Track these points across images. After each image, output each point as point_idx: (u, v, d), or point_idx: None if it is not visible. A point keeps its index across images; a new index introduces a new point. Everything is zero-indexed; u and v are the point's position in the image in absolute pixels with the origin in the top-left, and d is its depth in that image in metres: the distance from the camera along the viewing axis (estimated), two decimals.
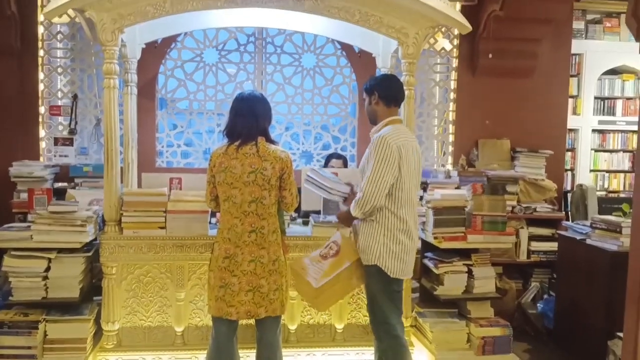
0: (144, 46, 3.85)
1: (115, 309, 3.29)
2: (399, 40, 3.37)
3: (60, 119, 4.56)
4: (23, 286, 3.21)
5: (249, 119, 2.86)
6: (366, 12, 3.30)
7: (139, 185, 3.80)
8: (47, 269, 3.23)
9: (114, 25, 3.15)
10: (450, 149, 5.00)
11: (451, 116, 4.99)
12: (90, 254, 3.35)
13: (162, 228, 3.29)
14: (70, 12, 3.40)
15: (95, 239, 3.40)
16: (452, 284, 3.55)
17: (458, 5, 4.79)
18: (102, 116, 4.37)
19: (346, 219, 2.98)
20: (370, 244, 2.85)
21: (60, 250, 3.24)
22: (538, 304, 4.51)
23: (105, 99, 3.23)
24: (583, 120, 5.62)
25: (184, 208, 3.30)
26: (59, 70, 4.51)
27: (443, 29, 4.73)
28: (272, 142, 2.91)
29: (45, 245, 3.21)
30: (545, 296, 4.56)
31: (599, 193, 5.44)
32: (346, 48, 4.81)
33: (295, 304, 3.43)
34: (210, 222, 3.40)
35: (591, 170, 5.74)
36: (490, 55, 4.65)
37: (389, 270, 2.83)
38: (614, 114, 5.66)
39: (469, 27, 3.35)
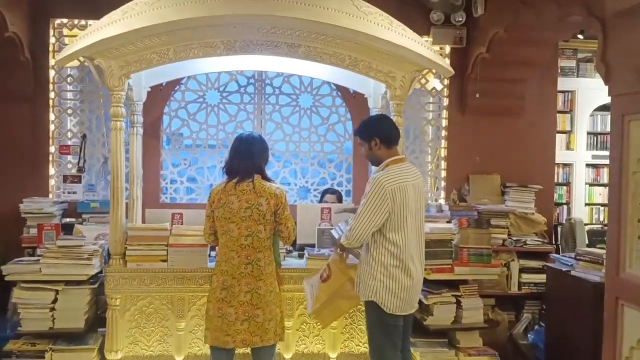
0: (149, 89, 4.10)
1: (118, 338, 3.44)
2: (386, 83, 3.59)
3: (69, 157, 4.81)
4: (31, 317, 3.38)
5: (246, 158, 3.08)
6: (355, 57, 3.52)
7: (143, 221, 3.99)
8: (55, 301, 3.41)
9: (120, 71, 3.39)
10: (443, 184, 5.18)
11: (443, 152, 5.19)
12: (95, 286, 3.53)
13: (164, 261, 3.46)
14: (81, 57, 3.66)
15: (100, 272, 3.58)
16: (441, 314, 3.68)
17: (448, 48, 5.06)
18: (109, 155, 4.63)
19: (341, 245, 3.10)
20: (367, 280, 2.95)
21: (67, 283, 3.43)
22: (529, 335, 4.62)
23: (112, 140, 3.45)
24: (577, 155, 5.80)
25: (184, 242, 3.49)
26: (69, 111, 4.78)
27: (434, 70, 5.02)
28: (267, 179, 3.14)
29: (54, 278, 3.40)
30: (536, 327, 4.67)
31: (594, 226, 5.60)
32: (341, 89, 5.05)
33: (291, 333, 3.57)
34: (209, 256, 3.57)
35: (586, 204, 5.88)
36: (477, 95, 4.87)
37: (385, 306, 2.91)
38: (606, 149, 5.75)
39: (451, 71, 3.58)
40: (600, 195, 5.94)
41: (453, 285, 3.76)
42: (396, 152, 3.06)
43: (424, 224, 3.12)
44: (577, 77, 5.79)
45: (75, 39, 3.52)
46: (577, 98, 5.78)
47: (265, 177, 3.13)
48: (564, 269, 4.08)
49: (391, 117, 3.34)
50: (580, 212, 5.74)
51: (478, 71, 4.85)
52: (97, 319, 3.68)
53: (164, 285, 3.47)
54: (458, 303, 3.71)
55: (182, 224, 3.73)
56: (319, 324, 3.42)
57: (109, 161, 4.61)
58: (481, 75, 4.86)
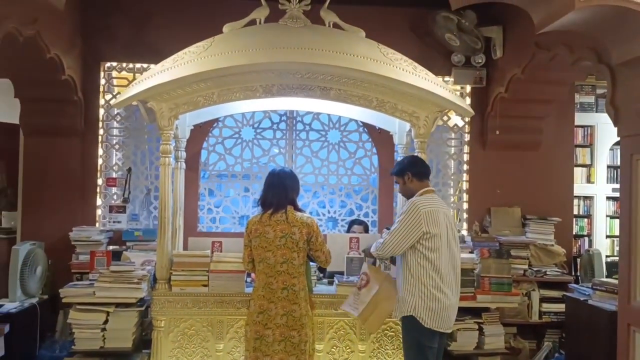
0: (192, 127, 4.44)
1: (162, 358, 3.71)
2: (411, 122, 3.86)
3: (115, 189, 5.16)
4: (84, 337, 3.68)
5: (279, 192, 3.36)
6: (382, 99, 3.79)
7: (185, 248, 4.29)
8: (106, 322, 3.70)
9: (170, 113, 3.72)
10: (465, 215, 5.41)
11: (465, 186, 5.43)
12: (142, 308, 3.82)
13: (205, 286, 3.73)
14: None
15: (147, 296, 3.88)
16: (464, 340, 3.89)
17: (469, 88, 5.35)
18: (152, 186, 4.98)
19: (370, 254, 3.45)
20: (405, 297, 3.19)
21: (117, 305, 3.73)
22: None
23: (161, 175, 3.77)
24: (597, 188, 5.94)
25: (224, 268, 3.75)
26: (116, 146, 5.16)
27: None
28: (299, 210, 3.41)
29: (105, 300, 3.70)
30: (557, 355, 4.82)
31: (614, 258, 5.71)
32: (367, 126, 5.33)
33: (322, 356, 3.79)
34: (246, 281, 3.85)
35: (607, 236, 5.98)
36: (497, 132, 5.12)
37: (423, 320, 3.13)
38: None
39: (471, 112, 3.85)
40: None
41: (475, 312, 3.96)
42: (427, 185, 3.38)
43: (458, 253, 3.34)
44: (597, 112, 5.94)
45: (128, 83, 3.90)
46: (596, 132, 5.95)
47: (297, 208, 3.40)
48: (581, 299, 4.25)
49: (418, 156, 3.63)
50: (601, 244, 5.84)
51: (498, 109, 5.10)
52: (142, 341, 3.96)
53: (204, 309, 3.72)
54: (480, 329, 3.91)
55: (221, 251, 4.00)
56: (367, 329, 3.65)
57: (151, 192, 5.01)
58: (501, 112, 5.11)
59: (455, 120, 5.37)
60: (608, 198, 6.00)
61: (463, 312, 3.92)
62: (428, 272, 3.16)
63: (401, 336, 3.38)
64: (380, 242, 3.29)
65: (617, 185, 5.83)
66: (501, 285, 3.92)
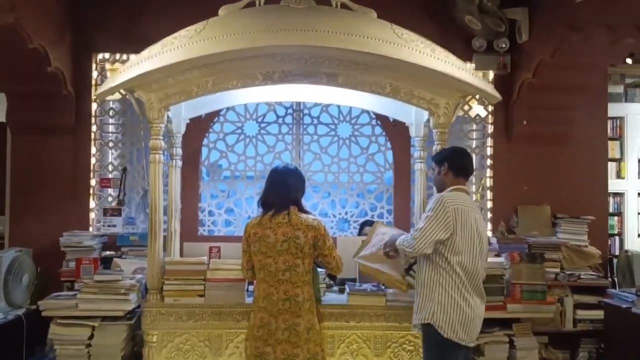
0: (188, 121, 4.08)
1: None
2: (429, 110, 3.47)
3: (110, 190, 4.83)
4: (67, 354, 3.35)
5: (281, 190, 3.00)
6: (397, 85, 3.42)
7: (181, 254, 3.93)
8: (91, 337, 3.35)
9: (160, 104, 3.37)
10: (489, 215, 4.98)
11: (488, 182, 5.01)
12: (132, 322, 3.46)
13: (201, 296, 3.37)
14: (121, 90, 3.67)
15: (138, 307, 3.51)
16: (493, 354, 3.51)
17: (491, 74, 4.92)
18: (149, 187, 4.61)
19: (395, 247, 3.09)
20: (425, 303, 2.88)
21: (103, 318, 3.37)
22: None
23: (151, 173, 3.41)
24: (628, 184, 5.57)
25: (222, 276, 3.39)
26: (110, 144, 4.82)
27: (477, 96, 4.88)
28: (304, 211, 3.03)
29: (90, 314, 3.35)
30: None
31: None
32: (381, 117, 4.95)
33: None
34: (247, 290, 3.47)
35: (639, 235, 5.60)
36: (524, 122, 4.70)
37: (442, 329, 2.80)
38: None
39: (499, 97, 3.44)
40: None
41: (505, 323, 3.56)
42: (462, 184, 3.04)
43: (483, 258, 2.97)
44: (626, 102, 5.60)
45: (116, 72, 3.54)
46: (626, 124, 5.60)
47: (301, 209, 3.04)
48: (623, 306, 3.84)
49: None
50: (633, 244, 5.46)
51: (524, 97, 4.69)
52: (134, 355, 3.60)
53: (201, 322, 3.36)
54: (511, 343, 3.52)
55: (219, 257, 3.65)
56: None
57: (149, 194, 4.64)
58: (528, 101, 4.71)
59: (477, 110, 4.95)
60: None
61: (491, 323, 3.54)
62: (450, 276, 2.83)
63: (421, 350, 3.03)
64: (407, 238, 2.95)
65: None
66: (534, 293, 3.50)
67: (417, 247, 2.86)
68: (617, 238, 5.53)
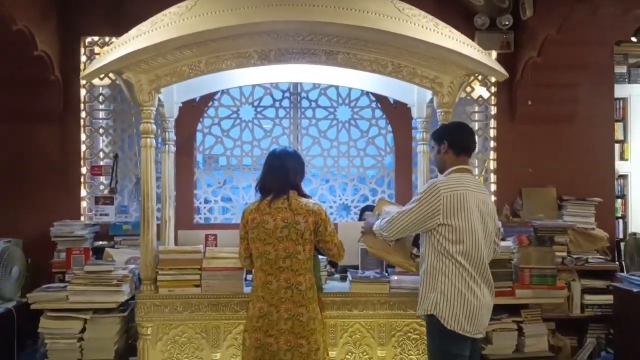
0: (181, 105, 3.91)
1: None
2: (433, 90, 3.32)
3: (101, 178, 4.66)
4: (58, 348, 3.20)
5: (280, 174, 2.86)
6: (399, 63, 3.26)
7: (176, 243, 3.79)
8: (83, 330, 3.21)
9: (150, 86, 3.21)
10: (493, 198, 4.84)
11: (492, 165, 4.87)
12: (125, 314, 3.32)
13: (197, 286, 3.23)
14: (112, 74, 3.50)
15: (131, 298, 3.37)
16: (501, 342, 3.37)
17: (494, 53, 4.76)
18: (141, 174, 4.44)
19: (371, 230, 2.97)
20: (428, 293, 2.70)
21: (96, 311, 3.23)
22: None
23: (142, 158, 3.26)
24: (632, 166, 5.42)
25: (218, 265, 3.25)
26: (101, 131, 4.65)
27: (480, 77, 4.72)
28: (304, 195, 2.89)
29: (81, 306, 3.21)
30: (603, 353, 4.25)
31: None
32: (381, 100, 4.79)
33: None
34: (245, 280, 3.33)
35: None
36: (529, 102, 4.55)
37: (445, 321, 2.61)
38: None
39: (505, 74, 3.29)
40: None
41: (513, 310, 3.43)
42: (464, 163, 2.83)
43: (490, 245, 2.78)
44: (629, 83, 5.42)
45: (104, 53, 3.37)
46: (629, 105, 5.43)
47: (301, 194, 2.90)
48: (634, 290, 3.70)
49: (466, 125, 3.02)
50: (638, 227, 5.30)
51: (529, 76, 4.53)
52: (129, 348, 3.47)
53: (197, 313, 3.22)
54: (519, 329, 3.39)
55: (216, 245, 3.50)
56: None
57: (141, 181, 4.47)
58: (532, 80, 4.54)
59: (480, 91, 4.79)
60: None
61: (499, 309, 3.39)
62: (453, 264, 2.64)
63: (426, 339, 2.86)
64: (385, 220, 2.80)
65: None
66: (544, 277, 3.36)
67: (393, 230, 2.76)
68: (620, 221, 5.39)
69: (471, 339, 2.66)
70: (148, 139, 3.24)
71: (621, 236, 5.15)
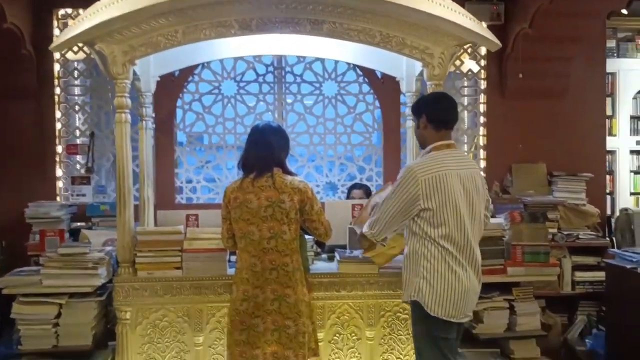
0: (158, 79, 3.73)
1: (130, 356, 3.08)
2: (423, 61, 3.17)
3: (78, 157, 4.48)
4: (33, 334, 3.03)
5: (263, 151, 2.73)
6: (387, 33, 3.10)
7: (156, 224, 3.64)
8: (58, 315, 3.05)
9: (124, 57, 3.03)
10: (483, 175, 4.73)
11: (482, 141, 4.75)
12: (103, 298, 3.17)
13: (178, 268, 3.09)
14: (87, 49, 3.31)
15: (109, 282, 3.22)
16: (492, 321, 3.26)
17: (484, 25, 4.60)
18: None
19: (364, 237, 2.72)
20: (412, 278, 2.57)
21: (71, 295, 3.08)
22: (586, 340, 4.15)
23: (117, 135, 3.10)
24: (620, 142, 5.37)
25: (200, 246, 3.11)
26: (76, 108, 4.44)
27: (469, 50, 4.58)
28: (289, 173, 2.76)
29: (56, 290, 3.04)
30: (594, 331, 4.20)
31: None
32: (368, 74, 4.64)
33: (323, 345, 3.17)
34: (229, 261, 3.20)
35: (631, 194, 5.45)
36: (520, 76, 4.42)
37: (429, 307, 2.49)
38: None
39: (499, 44, 3.15)
40: None
41: (505, 288, 3.33)
42: (446, 137, 2.65)
43: (477, 224, 2.63)
44: (618, 57, 5.33)
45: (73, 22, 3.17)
46: (618, 80, 5.34)
47: (286, 171, 2.77)
48: (628, 266, 3.63)
49: (447, 95, 2.85)
50: (625, 202, 5.28)
51: (520, 49, 4.39)
52: (107, 333, 3.32)
53: (178, 296, 3.09)
54: (511, 308, 3.29)
55: (197, 226, 3.36)
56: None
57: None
58: (523, 53, 4.40)
59: (469, 65, 4.65)
60: (632, 152, 5.44)
61: (490, 288, 3.31)
62: (436, 247, 2.51)
63: None
64: (369, 221, 2.64)
65: None
66: (536, 255, 3.26)
67: (379, 230, 2.57)
68: (608, 197, 5.34)
69: (457, 323, 2.57)
70: (123, 114, 3.06)
71: (609, 212, 5.09)
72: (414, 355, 2.73)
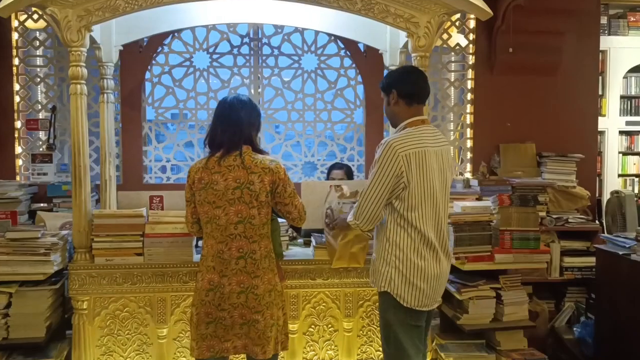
0: (121, 48, 3.44)
1: (87, 349, 2.86)
2: (408, 31, 2.93)
3: (39, 133, 4.17)
4: None
5: (231, 126, 2.47)
6: (369, 0, 2.86)
7: (118, 206, 3.37)
8: (8, 305, 2.80)
9: (79, 23, 2.76)
10: (469, 155, 4.52)
11: (469, 119, 4.52)
12: (57, 286, 2.91)
13: (139, 255, 2.86)
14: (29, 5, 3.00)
15: (65, 268, 2.97)
16: (478, 311, 3.07)
17: None
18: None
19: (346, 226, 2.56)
20: (381, 267, 2.40)
21: (22, 284, 2.81)
22: (574, 328, 3.98)
23: (72, 108, 2.83)
24: (609, 122, 5.25)
25: (164, 231, 2.88)
26: (37, 80, 4.12)
27: (457, 23, 4.32)
28: (260, 151, 2.50)
29: (5, 278, 2.78)
30: (582, 319, 4.04)
31: None
32: (351, 47, 4.37)
33: (297, 337, 2.97)
34: (196, 247, 2.96)
35: (619, 175, 5.38)
36: (510, 50, 4.18)
37: (401, 298, 2.35)
38: None
39: (490, 12, 2.91)
40: (635, 165, 5.47)
41: (491, 276, 3.13)
42: (419, 113, 2.46)
43: (447, 203, 2.48)
44: (609, 35, 5.18)
45: None
46: (608, 58, 5.20)
47: (256, 149, 2.51)
48: (620, 252, 3.44)
49: (416, 68, 2.65)
50: (613, 184, 5.20)
51: (511, 21, 4.14)
52: (64, 323, 3.08)
53: (140, 284, 2.87)
54: (498, 297, 3.09)
55: (162, 208, 3.10)
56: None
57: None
58: (514, 26, 4.16)
59: (457, 38, 4.39)
60: (621, 132, 5.34)
61: (475, 275, 3.12)
62: (409, 234, 2.34)
63: None
64: (355, 207, 2.43)
65: (632, 118, 5.31)
66: (526, 241, 3.06)
67: (364, 217, 2.37)
68: (597, 179, 5.18)
69: (427, 311, 2.45)
70: (78, 85, 2.81)
71: (597, 195, 4.92)
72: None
